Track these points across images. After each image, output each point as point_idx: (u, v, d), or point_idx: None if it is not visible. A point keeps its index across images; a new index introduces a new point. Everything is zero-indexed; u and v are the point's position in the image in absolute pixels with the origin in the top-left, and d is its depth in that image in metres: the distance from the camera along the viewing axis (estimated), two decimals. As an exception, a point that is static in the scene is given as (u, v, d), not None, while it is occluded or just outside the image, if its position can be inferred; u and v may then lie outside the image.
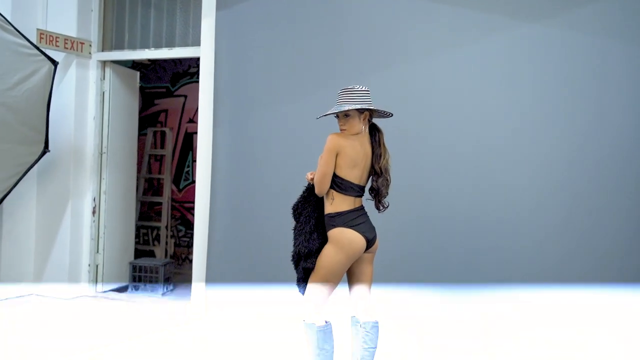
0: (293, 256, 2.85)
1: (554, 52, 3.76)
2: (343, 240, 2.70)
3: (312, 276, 2.74)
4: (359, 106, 2.73)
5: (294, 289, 2.86)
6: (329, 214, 2.76)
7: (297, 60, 4.35)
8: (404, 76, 4.04)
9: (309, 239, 2.75)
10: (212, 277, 4.47)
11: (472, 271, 3.81)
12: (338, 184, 2.74)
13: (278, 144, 4.37)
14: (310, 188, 2.86)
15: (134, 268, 5.42)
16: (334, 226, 2.73)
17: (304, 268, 2.77)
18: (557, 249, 3.67)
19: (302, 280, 2.79)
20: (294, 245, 2.83)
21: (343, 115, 2.78)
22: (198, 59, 4.79)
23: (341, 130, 2.79)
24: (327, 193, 2.77)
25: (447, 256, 3.90)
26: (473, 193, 3.86)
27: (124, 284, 5.52)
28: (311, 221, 2.79)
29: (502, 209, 3.81)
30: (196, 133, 5.19)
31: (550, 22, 3.76)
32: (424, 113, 4.00)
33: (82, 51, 5.11)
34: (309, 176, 2.87)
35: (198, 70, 4.73)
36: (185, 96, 6.79)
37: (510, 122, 3.84)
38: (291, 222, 4.12)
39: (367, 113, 2.82)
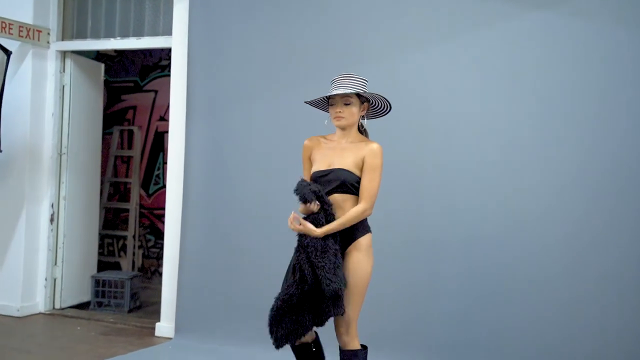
0: (288, 301, 2.64)
1: (558, 43, 3.76)
2: (371, 248, 2.75)
3: (354, 299, 2.67)
4: (362, 91, 2.69)
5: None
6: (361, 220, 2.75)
7: (280, 51, 4.34)
8: (396, 70, 4.02)
9: (337, 276, 2.57)
10: (185, 293, 4.44)
11: (476, 277, 3.81)
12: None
13: (258, 144, 4.35)
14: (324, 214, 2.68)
15: (96, 282, 5.37)
16: (366, 232, 2.75)
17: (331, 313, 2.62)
18: (567, 254, 3.67)
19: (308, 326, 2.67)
20: (295, 287, 2.63)
21: (342, 103, 2.72)
22: (169, 50, 4.79)
23: (337, 118, 2.74)
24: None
25: (447, 264, 3.88)
26: (474, 197, 3.86)
27: (85, 300, 5.47)
28: (339, 254, 2.63)
29: (505, 214, 3.79)
30: (167, 132, 5.20)
31: (555, 10, 3.75)
32: (419, 112, 3.98)
33: (39, 40, 5.06)
34: (299, 227, 2.65)
35: (170, 63, 4.76)
36: (156, 91, 6.76)
37: (513, 120, 3.84)
38: (274, 232, 4.13)
39: (366, 105, 2.81)
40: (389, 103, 2.79)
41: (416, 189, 3.95)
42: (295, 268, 2.65)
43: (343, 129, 2.78)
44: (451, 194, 3.89)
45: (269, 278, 4.04)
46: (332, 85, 2.76)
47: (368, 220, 2.79)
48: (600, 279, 3.58)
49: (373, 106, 2.85)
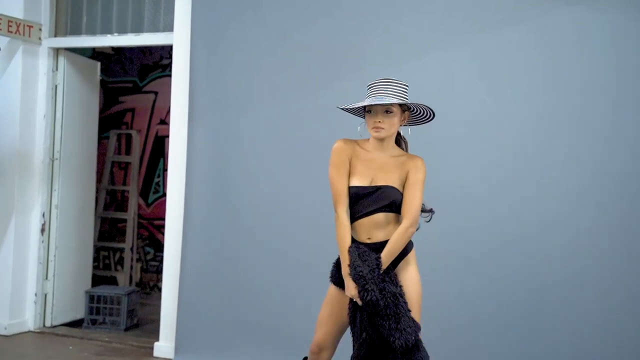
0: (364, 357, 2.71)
1: (570, 43, 3.83)
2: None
3: (416, 316, 2.71)
4: (404, 101, 2.67)
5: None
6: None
7: (289, 49, 4.33)
8: (414, 72, 3.98)
9: (401, 328, 2.61)
10: (185, 310, 4.41)
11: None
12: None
13: (266, 150, 4.34)
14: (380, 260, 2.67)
15: (91, 298, 5.34)
16: (411, 243, 2.80)
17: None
18: (583, 258, 3.75)
19: None
20: (363, 342, 2.68)
21: (383, 111, 2.68)
22: (170, 47, 4.79)
23: (376, 128, 2.69)
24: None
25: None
26: (487, 200, 3.91)
27: (78, 318, 5.45)
28: (399, 297, 2.65)
29: (512, 222, 3.86)
30: (168, 136, 5.21)
31: (572, 8, 3.81)
32: (445, 113, 3.89)
33: (29, 36, 5.05)
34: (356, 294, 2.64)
35: (171, 62, 4.78)
36: (156, 92, 6.79)
37: (523, 124, 3.90)
38: (282, 245, 4.15)
39: (407, 113, 2.79)
40: (432, 111, 2.75)
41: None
42: (360, 328, 2.68)
43: (382, 140, 2.74)
44: (459, 202, 3.91)
45: (277, 295, 4.16)
46: (370, 90, 2.71)
47: None
48: (622, 284, 3.66)
49: (414, 113, 2.81)
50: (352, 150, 2.76)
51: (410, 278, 2.73)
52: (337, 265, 2.80)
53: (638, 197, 3.67)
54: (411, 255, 2.77)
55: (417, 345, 2.63)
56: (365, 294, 2.56)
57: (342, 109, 2.81)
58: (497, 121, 3.91)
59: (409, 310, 2.63)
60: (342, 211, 2.70)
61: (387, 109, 2.67)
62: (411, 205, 2.67)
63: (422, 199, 2.71)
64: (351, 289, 2.62)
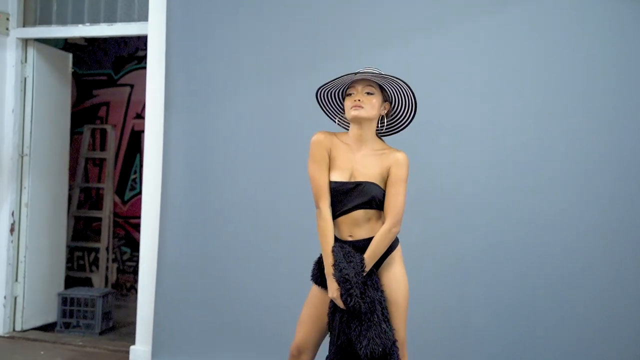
0: None
1: (574, 31, 3.83)
2: (402, 257, 2.78)
3: (401, 318, 2.71)
4: (385, 77, 2.62)
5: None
6: None
7: (271, 39, 4.31)
8: (403, 61, 3.98)
9: (385, 331, 2.61)
10: (163, 312, 4.40)
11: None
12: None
13: (247, 144, 4.33)
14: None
15: (63, 300, 5.32)
16: (397, 241, 2.76)
17: None
18: (583, 259, 3.78)
19: None
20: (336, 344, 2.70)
21: (364, 92, 2.66)
22: (146, 38, 4.74)
23: (355, 107, 2.64)
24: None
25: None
26: (482, 199, 3.91)
27: (50, 321, 5.42)
28: (383, 303, 2.65)
29: (506, 221, 3.86)
30: (144, 131, 5.10)
31: None
32: (424, 107, 3.92)
33: None
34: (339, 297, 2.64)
35: (147, 54, 4.72)
36: (132, 86, 6.79)
37: (528, 118, 3.89)
38: (264, 242, 4.16)
39: (387, 104, 2.76)
40: (414, 109, 2.73)
41: (420, 194, 3.90)
42: (338, 330, 2.67)
43: (360, 123, 2.68)
44: (454, 200, 3.92)
45: (258, 296, 4.16)
46: (353, 74, 2.68)
47: None
48: (623, 285, 3.69)
49: (393, 114, 2.79)
50: (331, 143, 2.72)
51: (395, 278, 2.70)
52: (319, 263, 2.77)
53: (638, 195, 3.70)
54: (396, 253, 2.73)
55: (390, 356, 2.61)
56: (349, 299, 2.54)
57: (321, 94, 2.76)
58: (492, 115, 3.90)
59: (386, 320, 2.61)
60: (325, 206, 2.67)
61: (368, 90, 2.65)
62: (394, 205, 2.63)
63: (405, 196, 2.66)
64: (333, 290, 2.61)
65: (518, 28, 3.88)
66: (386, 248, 2.65)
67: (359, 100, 2.63)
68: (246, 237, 4.22)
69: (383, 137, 2.83)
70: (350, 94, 2.68)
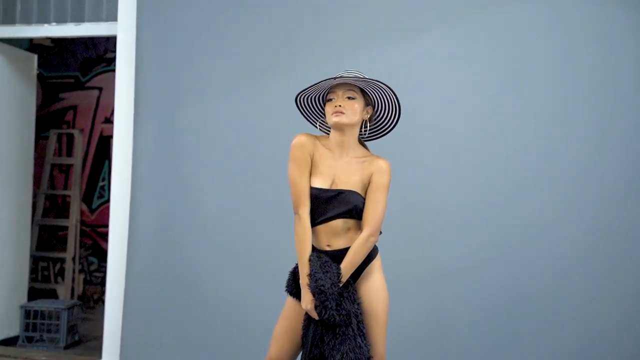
0: None
1: (571, 30, 3.87)
2: (382, 266, 2.76)
3: (380, 330, 2.68)
4: (375, 81, 2.60)
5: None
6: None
7: (247, 40, 4.32)
8: (385, 59, 4.02)
9: (360, 345, 2.59)
10: (131, 325, 4.38)
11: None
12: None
13: (221, 149, 4.33)
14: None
15: (26, 313, 5.25)
16: (376, 251, 2.74)
17: None
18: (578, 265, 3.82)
19: None
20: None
21: (345, 97, 2.63)
22: (115, 38, 4.71)
23: (336, 113, 2.61)
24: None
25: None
26: (474, 202, 3.94)
27: (12, 335, 5.35)
28: (359, 317, 2.62)
29: (504, 227, 3.89)
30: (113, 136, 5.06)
31: None
32: (410, 110, 3.91)
33: None
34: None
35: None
36: (101, 89, 6.79)
37: (519, 122, 3.92)
38: (237, 253, 4.16)
39: (370, 109, 2.72)
40: (398, 103, 2.69)
41: (406, 199, 3.92)
42: (312, 343, 2.65)
43: (341, 129, 2.65)
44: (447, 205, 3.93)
45: (232, 308, 4.15)
46: (333, 78, 2.65)
47: None
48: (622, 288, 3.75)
49: (376, 118, 2.78)
50: (313, 146, 2.69)
51: (374, 288, 2.68)
52: (295, 273, 2.74)
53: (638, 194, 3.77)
54: (376, 263, 2.70)
55: None
56: (324, 311, 2.52)
57: (300, 94, 2.72)
58: (487, 116, 3.94)
59: (362, 334, 2.59)
60: (304, 212, 2.63)
61: (349, 95, 2.62)
62: (372, 213, 2.61)
63: (385, 205, 2.64)
64: (308, 302, 2.58)
65: (516, 28, 3.91)
66: (363, 258, 2.62)
67: (340, 105, 2.61)
68: (220, 247, 4.21)
69: (366, 142, 2.84)
70: (330, 99, 2.65)
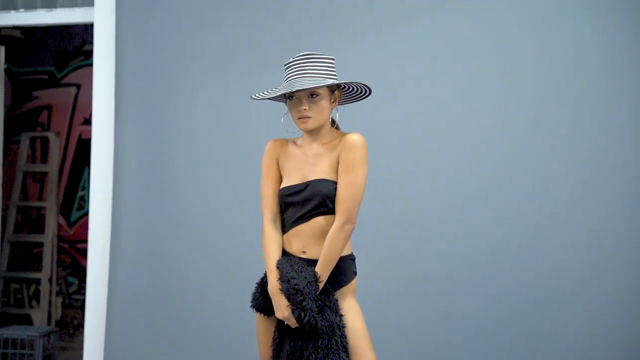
0: None
1: (566, 23, 3.97)
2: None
3: (365, 344, 2.66)
4: (331, 81, 2.62)
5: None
6: (350, 255, 2.75)
7: (236, 30, 4.37)
8: (375, 51, 4.13)
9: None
10: (113, 352, 4.42)
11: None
12: None
13: (210, 151, 4.37)
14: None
15: None
16: (355, 273, 2.76)
17: None
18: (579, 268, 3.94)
19: None
20: None
21: (307, 96, 2.65)
22: (92, 27, 4.73)
23: (302, 119, 2.65)
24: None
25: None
26: (463, 201, 4.06)
27: None
28: (342, 330, 2.61)
29: (497, 230, 4.00)
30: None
31: None
32: (396, 106, 4.10)
33: None
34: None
35: None
36: (78, 86, 6.82)
37: (514, 119, 4.04)
38: (230, 268, 4.19)
39: (338, 92, 2.75)
40: (368, 87, 2.74)
41: (394, 197, 4.08)
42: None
43: (310, 132, 2.74)
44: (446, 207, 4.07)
45: (225, 331, 4.20)
46: (287, 71, 2.70)
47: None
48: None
49: (346, 90, 2.80)
50: (280, 149, 2.79)
51: (350, 305, 2.69)
52: (262, 285, 2.73)
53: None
54: (351, 287, 2.72)
55: None
56: (303, 314, 2.49)
57: (256, 98, 2.76)
58: (483, 115, 4.01)
59: (345, 350, 2.57)
60: (267, 220, 2.73)
61: (312, 92, 2.63)
62: (344, 196, 2.58)
63: (361, 185, 2.59)
64: (283, 308, 2.55)
65: (509, 24, 4.02)
66: (341, 251, 2.60)
67: (305, 109, 2.63)
68: (211, 262, 4.25)
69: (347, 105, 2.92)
70: (292, 97, 2.68)
